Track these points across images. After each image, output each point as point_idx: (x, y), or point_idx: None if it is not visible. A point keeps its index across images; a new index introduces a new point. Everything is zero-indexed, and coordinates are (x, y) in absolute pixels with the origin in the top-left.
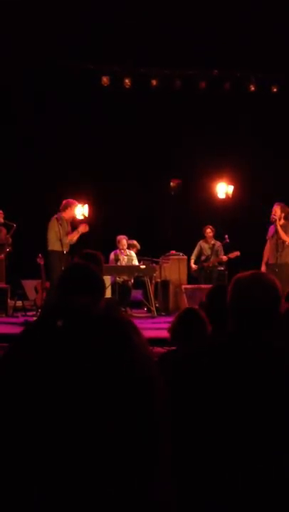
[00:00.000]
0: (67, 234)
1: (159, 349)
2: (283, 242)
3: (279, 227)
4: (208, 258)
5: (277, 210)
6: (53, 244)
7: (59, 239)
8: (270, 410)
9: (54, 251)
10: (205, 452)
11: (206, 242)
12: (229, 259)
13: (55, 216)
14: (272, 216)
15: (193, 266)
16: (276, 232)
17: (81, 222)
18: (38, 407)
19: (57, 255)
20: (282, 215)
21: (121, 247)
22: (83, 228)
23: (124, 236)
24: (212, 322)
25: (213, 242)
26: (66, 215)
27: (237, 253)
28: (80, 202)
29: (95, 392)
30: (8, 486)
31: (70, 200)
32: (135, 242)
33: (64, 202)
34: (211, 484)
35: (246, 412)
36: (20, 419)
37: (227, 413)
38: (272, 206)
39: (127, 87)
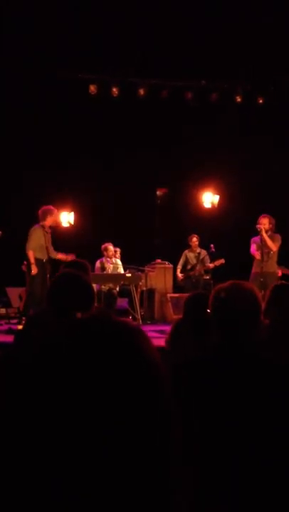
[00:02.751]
0: (50, 242)
1: None
2: (269, 251)
3: (266, 237)
4: (194, 267)
5: (265, 222)
6: (37, 252)
7: (44, 247)
8: (255, 421)
9: (36, 259)
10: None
11: (192, 251)
12: (215, 267)
13: (40, 224)
14: (258, 226)
15: (180, 275)
16: (262, 241)
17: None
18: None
19: (39, 263)
20: (270, 226)
21: (107, 255)
22: (67, 257)
23: (110, 243)
24: (191, 330)
25: (198, 250)
26: (48, 222)
27: (222, 261)
28: (66, 210)
29: (109, 396)
30: (18, 487)
31: (47, 207)
32: (116, 248)
33: (41, 210)
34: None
35: (232, 422)
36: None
37: (213, 425)
38: (257, 215)
39: (115, 96)
